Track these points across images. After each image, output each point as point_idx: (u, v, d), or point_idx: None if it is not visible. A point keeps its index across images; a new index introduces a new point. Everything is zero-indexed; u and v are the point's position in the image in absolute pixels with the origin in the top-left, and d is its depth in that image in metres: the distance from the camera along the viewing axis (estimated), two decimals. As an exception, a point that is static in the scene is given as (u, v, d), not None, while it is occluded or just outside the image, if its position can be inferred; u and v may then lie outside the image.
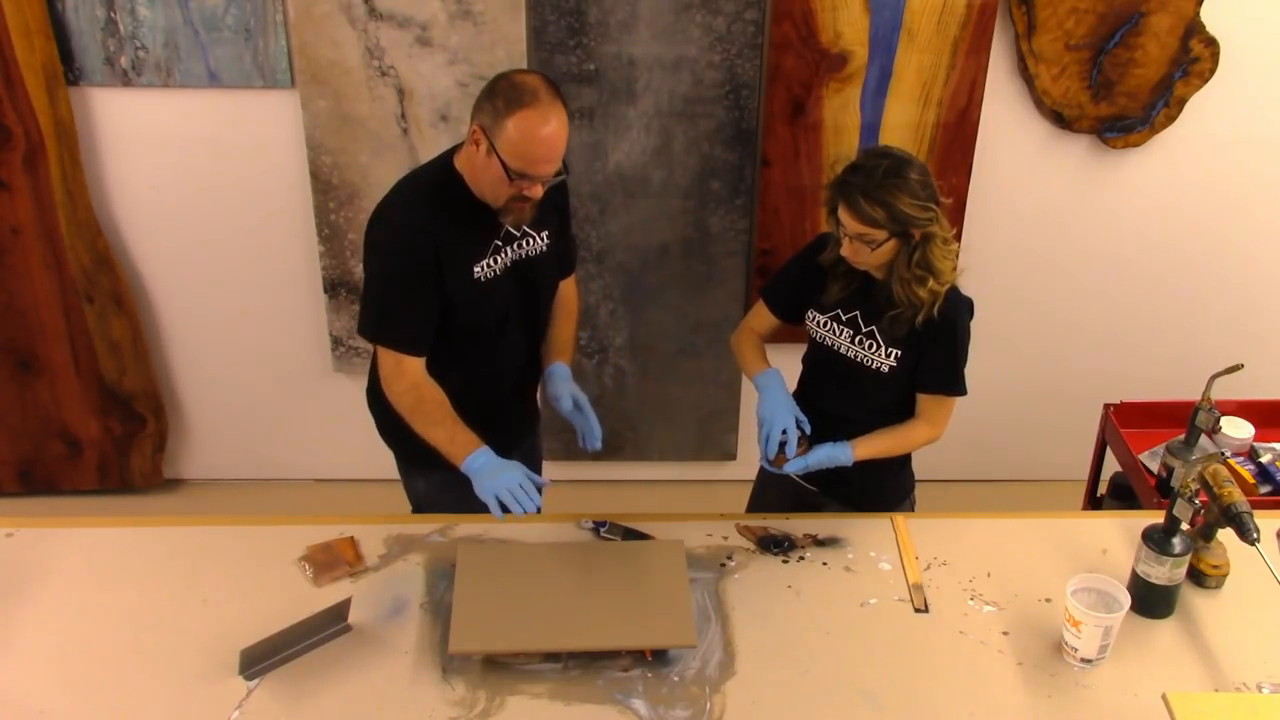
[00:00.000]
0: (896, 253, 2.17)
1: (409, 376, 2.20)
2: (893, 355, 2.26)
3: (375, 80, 3.12)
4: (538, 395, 2.55)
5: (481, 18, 3.05)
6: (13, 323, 3.39)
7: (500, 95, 2.04)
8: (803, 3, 3.04)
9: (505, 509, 2.10)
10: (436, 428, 2.19)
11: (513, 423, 2.52)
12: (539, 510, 2.12)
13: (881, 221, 2.11)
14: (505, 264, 2.26)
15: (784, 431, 2.30)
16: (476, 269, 2.21)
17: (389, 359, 2.20)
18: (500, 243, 2.23)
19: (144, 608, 2.12)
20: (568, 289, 2.49)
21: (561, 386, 2.38)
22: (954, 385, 2.30)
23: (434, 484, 2.43)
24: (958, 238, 3.37)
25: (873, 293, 2.26)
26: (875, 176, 2.10)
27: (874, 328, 2.27)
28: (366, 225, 2.22)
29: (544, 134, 2.03)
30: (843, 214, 2.14)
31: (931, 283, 2.18)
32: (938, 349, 2.26)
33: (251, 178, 3.28)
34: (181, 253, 3.39)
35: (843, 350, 2.32)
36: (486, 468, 2.14)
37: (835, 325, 2.32)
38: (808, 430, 2.33)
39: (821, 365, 2.38)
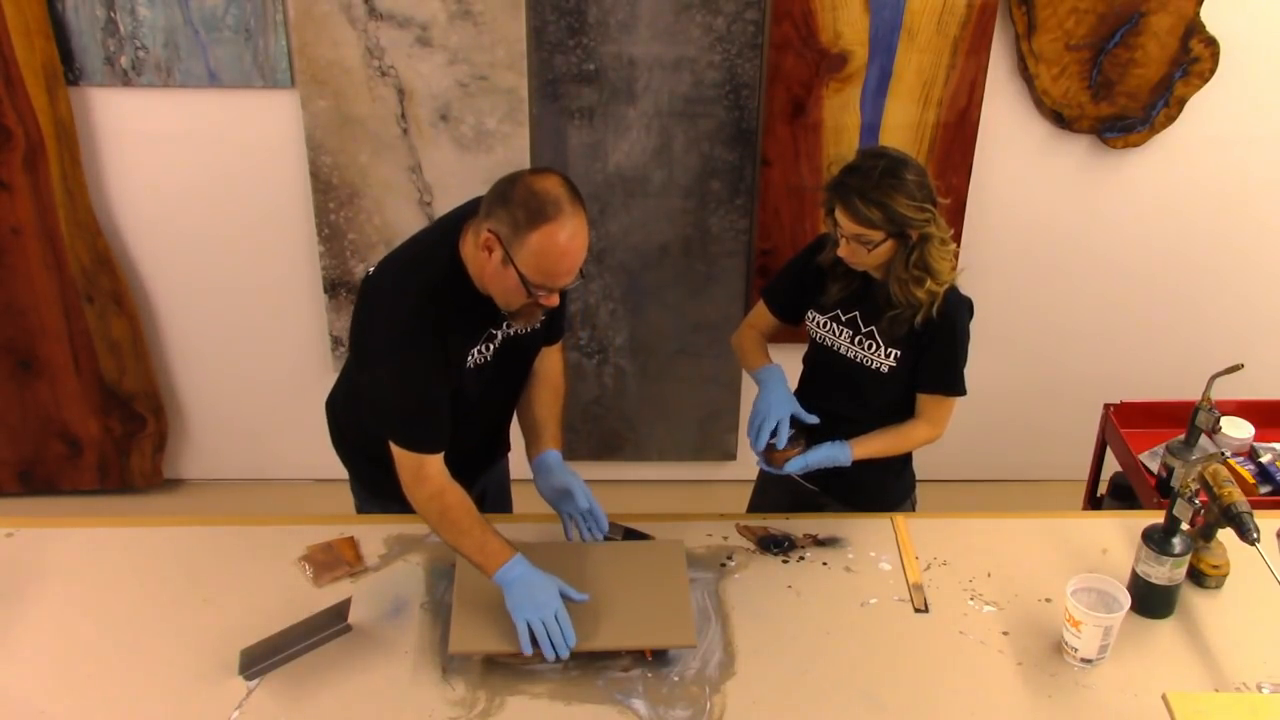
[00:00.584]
0: (894, 253, 2.17)
1: (432, 482, 2.06)
2: (892, 355, 2.26)
3: (375, 80, 3.12)
4: (509, 441, 2.48)
5: (481, 18, 3.05)
6: (13, 323, 3.39)
7: (519, 205, 1.88)
8: (803, 3, 3.04)
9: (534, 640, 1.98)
10: (465, 537, 2.05)
11: (479, 462, 2.42)
12: (571, 650, 1.99)
13: (878, 222, 2.11)
14: (496, 347, 2.14)
15: (777, 425, 2.28)
16: (470, 358, 2.10)
17: (409, 463, 2.05)
18: (494, 329, 2.12)
19: (144, 608, 2.12)
20: (553, 361, 2.34)
21: (565, 479, 2.22)
22: (953, 385, 2.30)
23: (391, 515, 2.36)
24: (957, 238, 3.37)
25: (872, 293, 2.26)
26: (871, 177, 2.10)
27: (873, 328, 2.27)
28: (369, 312, 2.07)
29: (568, 248, 1.90)
30: (839, 215, 2.14)
31: (929, 283, 2.17)
32: (937, 349, 2.26)
33: (251, 178, 3.28)
34: (181, 253, 3.39)
35: (842, 350, 2.32)
36: (521, 581, 2.01)
37: (835, 325, 2.32)
38: (811, 422, 2.31)
39: (822, 365, 2.38)
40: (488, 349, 2.13)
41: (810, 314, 2.36)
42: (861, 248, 2.15)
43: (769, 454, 2.30)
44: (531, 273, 1.91)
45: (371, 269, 2.13)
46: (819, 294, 2.33)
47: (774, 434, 2.28)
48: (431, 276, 2.01)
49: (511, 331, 2.16)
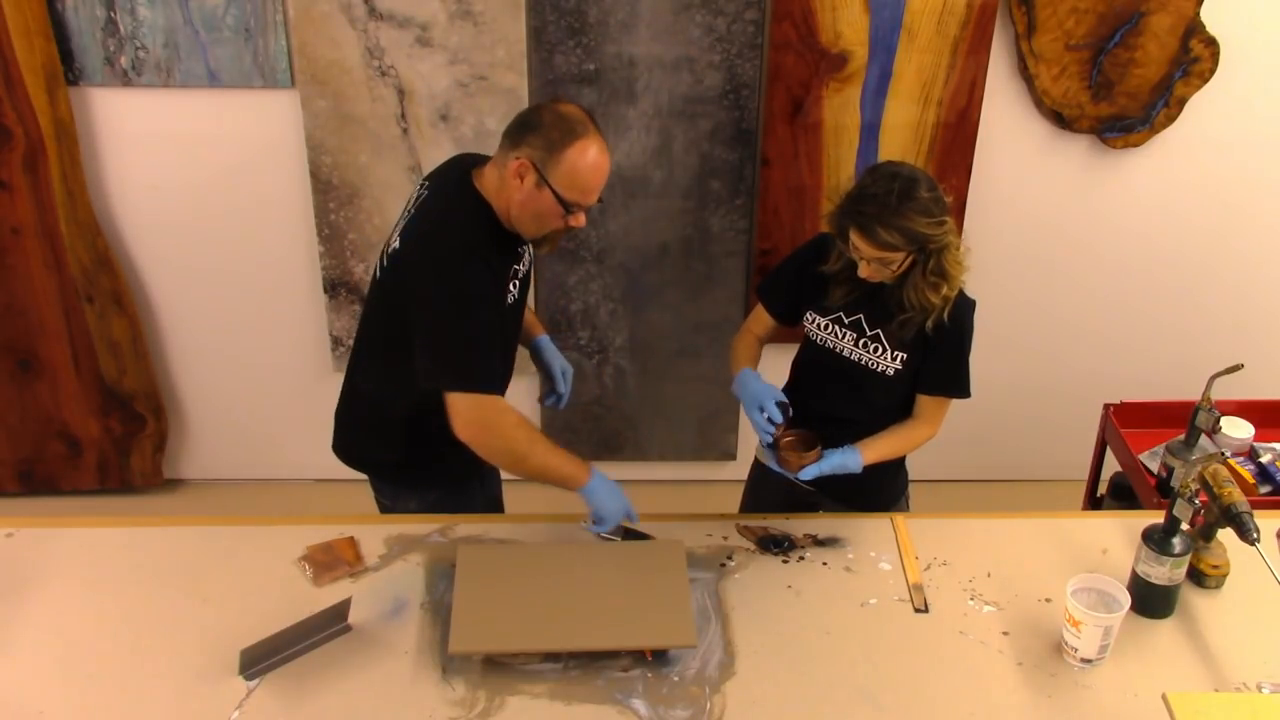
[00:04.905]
0: (914, 263, 2.17)
1: (510, 413, 2.13)
2: (899, 358, 2.26)
3: (375, 80, 3.12)
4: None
5: (481, 18, 3.05)
6: (13, 323, 3.39)
7: (552, 127, 2.02)
8: (803, 3, 3.04)
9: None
10: (553, 454, 2.16)
11: None
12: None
13: (900, 245, 2.10)
14: (519, 285, 2.25)
15: (780, 405, 2.28)
16: (508, 296, 2.20)
17: (482, 407, 2.11)
18: (517, 265, 2.23)
19: (144, 608, 2.12)
20: None
21: (558, 362, 2.54)
22: (960, 388, 2.31)
23: (428, 503, 2.41)
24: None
25: (880, 297, 2.25)
26: (889, 204, 2.08)
27: (879, 331, 2.26)
28: (425, 270, 2.10)
29: (600, 163, 2.05)
30: (858, 241, 2.13)
31: (945, 288, 2.18)
32: (945, 351, 2.26)
33: (251, 178, 3.28)
34: (181, 253, 3.39)
35: (845, 353, 2.31)
36: (602, 490, 2.19)
37: (837, 328, 2.31)
38: (789, 413, 2.31)
39: (819, 368, 2.37)
40: (515, 287, 2.22)
41: (809, 315, 2.35)
42: (884, 268, 2.15)
43: (785, 458, 2.28)
44: (566, 189, 2.04)
45: (396, 245, 2.17)
46: (821, 297, 2.32)
47: (779, 426, 2.28)
48: (468, 220, 2.11)
49: (524, 271, 2.27)
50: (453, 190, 2.18)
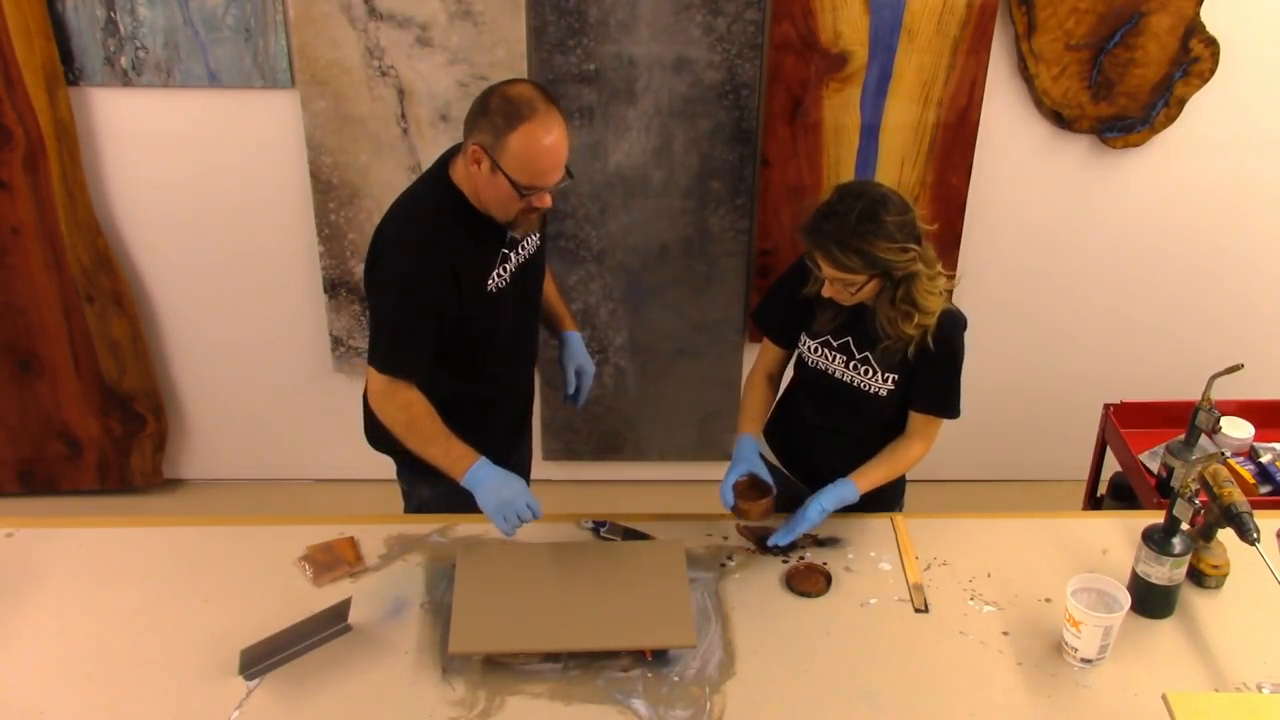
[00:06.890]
0: (881, 288, 2.13)
1: (402, 394, 2.18)
2: (889, 379, 2.24)
3: (375, 80, 3.12)
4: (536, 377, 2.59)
5: (481, 18, 3.06)
6: (13, 323, 3.39)
7: (497, 112, 2.00)
8: (803, 3, 3.04)
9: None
10: (431, 444, 2.19)
11: (516, 421, 2.54)
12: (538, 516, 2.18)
13: (858, 268, 2.06)
14: (512, 271, 2.25)
15: (749, 481, 2.28)
16: (489, 282, 2.19)
17: (380, 380, 2.18)
18: (506, 250, 2.23)
19: (144, 608, 2.12)
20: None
21: (583, 361, 2.51)
22: (949, 408, 2.28)
23: (441, 492, 2.40)
24: (956, 239, 3.37)
25: (865, 319, 2.21)
26: (848, 223, 2.04)
27: (868, 354, 2.24)
28: (377, 253, 2.19)
29: (548, 145, 2.01)
30: (818, 259, 2.10)
31: (918, 318, 2.13)
32: (934, 372, 2.22)
33: (251, 178, 3.28)
34: (181, 253, 3.40)
35: (837, 375, 2.29)
36: (489, 480, 2.16)
37: (827, 351, 2.29)
38: (768, 483, 2.29)
39: (814, 386, 2.35)
40: (505, 270, 2.22)
41: (802, 338, 2.33)
42: (845, 290, 2.12)
43: (740, 508, 2.24)
44: (519, 174, 2.02)
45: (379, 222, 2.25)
46: (810, 320, 2.30)
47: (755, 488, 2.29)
48: (435, 206, 2.15)
49: (524, 257, 2.26)
50: (429, 177, 2.22)
